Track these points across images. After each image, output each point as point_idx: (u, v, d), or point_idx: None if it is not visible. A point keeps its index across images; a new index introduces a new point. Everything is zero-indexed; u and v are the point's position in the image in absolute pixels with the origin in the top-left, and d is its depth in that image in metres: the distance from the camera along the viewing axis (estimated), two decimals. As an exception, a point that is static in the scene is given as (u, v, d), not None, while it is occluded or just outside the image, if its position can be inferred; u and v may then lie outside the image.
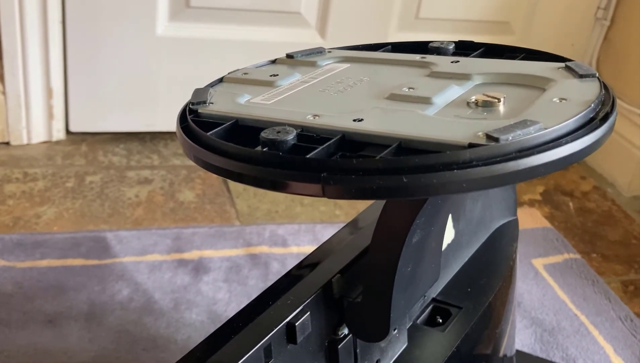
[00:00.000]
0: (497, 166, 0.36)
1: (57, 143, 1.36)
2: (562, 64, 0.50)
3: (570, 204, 1.36)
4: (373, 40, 1.40)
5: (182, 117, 0.47)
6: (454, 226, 0.60)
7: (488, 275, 0.62)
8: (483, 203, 0.65)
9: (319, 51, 0.61)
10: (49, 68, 1.29)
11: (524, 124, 0.38)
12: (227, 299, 0.94)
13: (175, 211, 1.17)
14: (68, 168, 1.27)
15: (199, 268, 1.00)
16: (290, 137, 0.39)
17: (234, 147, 0.39)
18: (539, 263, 1.12)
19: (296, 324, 0.45)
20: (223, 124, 0.44)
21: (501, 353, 0.66)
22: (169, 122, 1.39)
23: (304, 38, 1.37)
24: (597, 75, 0.47)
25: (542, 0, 1.48)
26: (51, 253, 1.00)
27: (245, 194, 1.24)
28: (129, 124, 1.38)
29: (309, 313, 0.46)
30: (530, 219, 1.26)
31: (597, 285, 1.07)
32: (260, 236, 1.10)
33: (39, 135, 1.34)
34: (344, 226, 0.61)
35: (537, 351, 0.91)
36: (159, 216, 1.15)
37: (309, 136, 0.41)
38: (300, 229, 1.13)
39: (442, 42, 0.59)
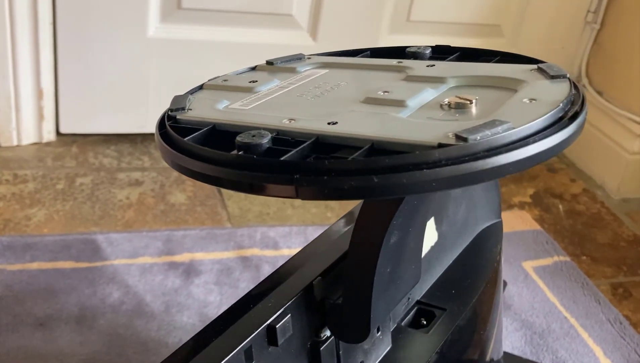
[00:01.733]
0: (466, 165, 0.36)
1: (48, 144, 1.35)
2: (535, 66, 0.51)
3: (560, 206, 1.37)
4: (365, 42, 1.40)
5: (161, 124, 0.48)
6: (437, 229, 0.60)
7: (472, 277, 0.62)
8: (467, 205, 0.66)
9: (299, 57, 0.62)
10: (40, 69, 1.28)
11: (492, 124, 0.38)
12: (218, 302, 0.94)
13: (166, 214, 1.17)
14: (58, 169, 1.27)
15: (190, 270, 1.00)
16: (265, 140, 0.40)
17: (209, 151, 0.40)
18: (529, 265, 1.12)
19: (277, 326, 0.45)
20: (201, 129, 0.45)
21: (488, 357, 0.66)
22: (160, 124, 1.39)
23: (296, 40, 1.38)
24: (567, 76, 0.48)
25: (533, 3, 1.49)
26: (41, 255, 1.00)
27: (237, 197, 1.24)
28: (119, 125, 1.38)
29: (290, 315, 0.47)
30: (520, 221, 1.27)
31: (586, 287, 1.08)
32: (252, 239, 1.10)
33: (29, 136, 1.34)
34: (326, 229, 0.61)
35: (527, 353, 0.92)
36: (149, 218, 1.15)
37: (284, 140, 0.42)
38: (292, 231, 1.13)
39: (419, 47, 0.60)
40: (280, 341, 0.46)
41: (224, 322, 0.46)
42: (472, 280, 0.62)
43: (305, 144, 0.40)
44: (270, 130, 0.42)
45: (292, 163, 0.38)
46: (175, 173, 1.30)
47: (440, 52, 0.60)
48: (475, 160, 0.37)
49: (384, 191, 0.36)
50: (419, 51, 0.59)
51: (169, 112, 0.48)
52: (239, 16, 1.33)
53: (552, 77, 0.48)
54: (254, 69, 0.61)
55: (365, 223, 0.46)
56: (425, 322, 0.57)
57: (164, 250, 1.04)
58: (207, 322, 0.90)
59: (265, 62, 0.61)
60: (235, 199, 1.23)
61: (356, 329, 0.48)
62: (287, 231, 1.13)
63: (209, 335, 0.45)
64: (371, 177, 0.36)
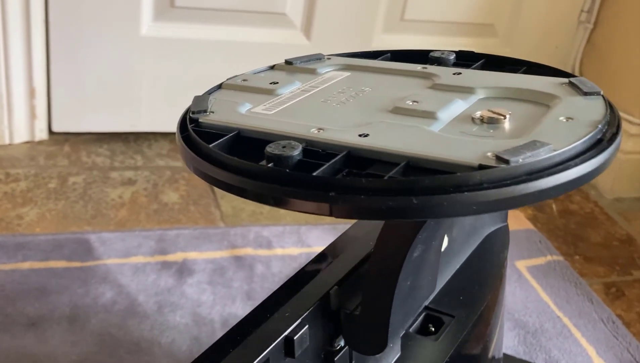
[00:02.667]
0: (508, 189, 0.35)
1: (40, 143, 1.35)
2: (566, 80, 0.50)
3: (553, 206, 1.37)
4: (358, 41, 1.40)
5: (182, 126, 0.46)
6: (448, 235, 0.60)
7: (480, 283, 0.61)
8: None
9: (318, 58, 0.60)
10: (32, 68, 1.28)
11: (533, 145, 0.37)
12: (211, 301, 0.94)
13: (159, 213, 1.16)
14: (51, 168, 1.26)
15: (183, 270, 1.00)
16: (296, 152, 0.39)
17: (238, 161, 0.39)
18: (522, 265, 1.12)
19: (295, 338, 0.45)
20: (224, 135, 0.44)
21: (490, 355, 0.66)
22: (153, 123, 1.38)
23: (289, 39, 1.37)
24: (601, 93, 0.47)
25: (526, 3, 1.49)
26: (33, 255, 0.99)
27: (230, 196, 1.24)
28: (112, 124, 1.38)
29: (307, 326, 0.46)
30: (514, 221, 1.27)
31: (579, 287, 1.08)
32: (245, 238, 1.09)
33: (21, 135, 1.33)
34: (341, 235, 0.60)
35: (520, 353, 0.92)
36: (142, 217, 1.14)
37: (313, 151, 0.41)
38: (285, 231, 1.13)
39: (442, 52, 0.59)
40: (298, 353, 0.45)
41: (240, 332, 0.45)
42: (479, 286, 0.61)
43: (337, 158, 0.39)
44: (299, 140, 0.41)
45: (327, 180, 0.37)
46: (169, 172, 1.29)
47: (464, 58, 0.59)
48: (517, 184, 0.35)
49: (423, 213, 0.35)
50: (442, 56, 0.58)
51: (191, 114, 0.47)
52: (232, 15, 1.32)
53: (586, 93, 0.47)
54: (272, 68, 0.59)
55: (389, 238, 0.45)
56: (433, 329, 0.56)
57: (157, 250, 1.04)
58: (200, 322, 0.90)
59: (284, 61, 0.59)
60: (229, 199, 1.23)
61: (373, 341, 0.48)
62: (280, 231, 1.13)
63: (225, 347, 0.44)
64: (410, 198, 0.35)
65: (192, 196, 1.22)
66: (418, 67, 0.56)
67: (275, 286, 0.98)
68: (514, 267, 1.11)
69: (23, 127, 1.33)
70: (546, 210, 1.35)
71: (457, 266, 0.62)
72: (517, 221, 1.27)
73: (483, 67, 0.57)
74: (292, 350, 0.45)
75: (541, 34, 1.54)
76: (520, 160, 0.36)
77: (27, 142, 1.34)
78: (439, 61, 0.58)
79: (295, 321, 0.45)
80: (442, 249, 0.59)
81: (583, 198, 1.42)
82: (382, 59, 0.61)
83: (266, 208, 1.22)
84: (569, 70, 1.58)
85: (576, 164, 0.37)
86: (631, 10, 1.43)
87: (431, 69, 0.55)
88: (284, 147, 0.39)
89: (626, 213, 1.38)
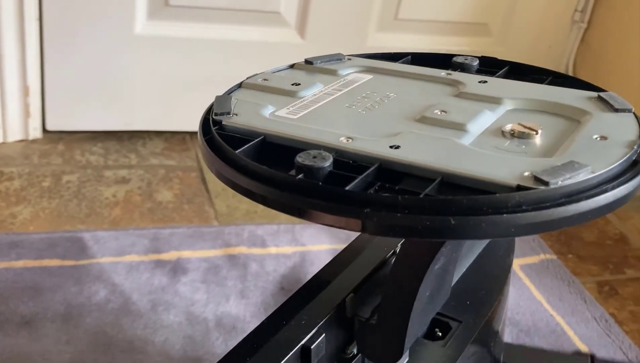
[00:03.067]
0: (547, 212, 0.35)
1: (34, 141, 1.34)
2: (595, 94, 0.50)
3: (547, 205, 1.38)
4: (352, 40, 1.40)
5: (205, 128, 0.45)
6: None
7: (486, 287, 0.61)
8: None
9: (339, 58, 0.59)
10: (26, 66, 1.27)
11: (571, 166, 0.37)
12: (205, 300, 0.94)
13: (153, 211, 1.16)
14: (44, 167, 1.26)
15: (176, 268, 1.00)
16: (327, 164, 0.38)
17: (268, 171, 0.38)
18: (515, 263, 1.13)
19: (312, 347, 0.44)
20: (250, 140, 0.43)
21: (494, 357, 0.66)
22: (147, 121, 1.38)
23: (284, 38, 1.37)
24: (632, 110, 0.46)
25: (520, 2, 1.49)
26: (27, 253, 0.99)
27: (224, 195, 1.24)
28: (106, 122, 1.37)
29: (324, 335, 0.45)
30: (508, 220, 1.27)
31: (572, 285, 1.09)
32: (239, 237, 1.09)
33: (15, 133, 1.33)
34: (353, 241, 0.60)
35: (513, 351, 0.92)
36: (136, 216, 1.14)
37: (343, 162, 0.40)
38: (280, 229, 1.13)
39: (466, 58, 0.58)
40: (314, 362, 0.45)
41: (256, 340, 0.45)
42: (486, 291, 0.60)
43: (369, 171, 0.38)
44: (328, 149, 0.40)
45: (362, 195, 0.36)
46: (163, 171, 1.29)
47: (487, 65, 0.59)
48: (557, 206, 0.35)
49: (461, 234, 0.34)
50: (466, 62, 0.58)
51: (214, 116, 0.46)
52: (226, 13, 1.32)
53: (617, 110, 0.46)
54: (292, 67, 0.58)
55: (412, 250, 0.44)
56: (440, 334, 0.55)
57: (151, 248, 1.04)
58: (194, 320, 0.90)
59: (304, 60, 0.59)
60: (223, 198, 1.23)
61: (389, 350, 0.47)
62: (275, 230, 1.13)
63: (242, 355, 0.43)
64: (448, 218, 0.34)
65: (187, 194, 1.22)
66: (442, 72, 0.55)
67: (269, 285, 0.98)
68: (508, 266, 1.12)
69: (17, 126, 1.32)
70: (540, 209, 1.35)
71: (464, 270, 0.62)
72: (511, 220, 1.27)
73: (507, 76, 0.57)
74: (308, 359, 0.44)
75: (535, 33, 1.54)
76: (560, 182, 0.35)
77: (21, 140, 1.34)
78: (463, 67, 0.58)
79: (312, 329, 0.44)
80: None
81: (576, 197, 1.42)
82: (403, 62, 0.61)
83: (260, 207, 1.21)
84: (562, 69, 1.59)
85: (614, 188, 0.37)
86: (625, 10, 1.44)
87: (456, 75, 0.55)
88: (314, 157, 0.38)
89: (619, 212, 1.39)
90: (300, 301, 0.48)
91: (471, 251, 0.63)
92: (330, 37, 1.38)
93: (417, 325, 0.47)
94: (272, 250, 1.07)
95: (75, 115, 1.35)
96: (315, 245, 1.10)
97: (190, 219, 1.15)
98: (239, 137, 0.43)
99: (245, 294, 0.96)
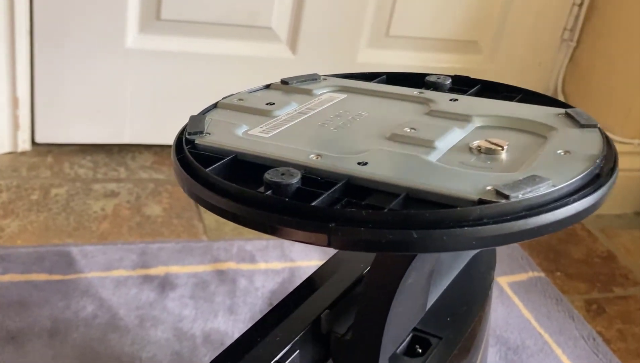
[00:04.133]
0: (507, 225, 0.35)
1: (23, 153, 1.34)
2: (562, 111, 0.50)
3: (536, 222, 1.38)
4: (343, 56, 1.41)
5: (178, 147, 0.45)
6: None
7: (467, 304, 0.61)
8: None
9: (314, 78, 0.60)
10: (16, 78, 1.27)
11: (533, 180, 0.38)
12: (193, 316, 0.94)
13: (141, 226, 1.16)
14: (33, 179, 1.25)
15: (165, 284, 0.99)
16: (295, 180, 0.39)
17: (236, 188, 0.39)
18: (504, 281, 1.13)
19: None
20: (221, 158, 0.43)
21: None
22: (137, 135, 1.38)
23: (275, 53, 1.38)
24: (598, 125, 0.47)
25: (510, 20, 1.50)
26: (14, 267, 0.99)
27: (213, 209, 1.23)
28: (96, 135, 1.37)
29: (298, 351, 0.45)
30: (496, 237, 1.27)
31: (561, 303, 1.09)
32: (228, 252, 1.09)
33: (4, 146, 1.32)
34: (330, 258, 0.60)
35: (501, 370, 0.92)
36: (125, 230, 1.14)
37: (312, 179, 0.40)
38: (269, 245, 1.13)
39: (438, 77, 0.59)
40: None
41: (230, 357, 0.44)
42: (467, 307, 0.61)
43: (336, 187, 0.39)
44: (297, 167, 0.41)
45: (327, 211, 0.36)
46: (152, 185, 1.29)
47: (460, 83, 0.59)
48: (517, 219, 0.36)
49: (423, 247, 0.35)
50: (438, 81, 0.58)
51: (187, 135, 0.46)
52: (218, 28, 1.33)
53: (582, 126, 0.47)
54: (268, 87, 0.59)
55: (382, 266, 0.44)
56: (420, 350, 0.56)
57: (139, 263, 1.03)
58: (182, 336, 0.90)
59: (280, 80, 0.59)
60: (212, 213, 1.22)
61: None
62: (264, 245, 1.12)
63: None
64: (411, 232, 0.35)
65: (175, 209, 1.22)
66: (414, 91, 0.56)
67: (258, 301, 0.98)
68: (496, 283, 1.12)
69: (6, 138, 1.32)
70: (528, 226, 1.36)
71: (445, 286, 0.62)
72: (500, 237, 1.28)
73: (479, 94, 0.58)
74: None
75: (524, 51, 1.55)
76: (520, 196, 0.36)
77: (9, 153, 1.33)
78: (435, 86, 0.58)
79: (286, 346, 0.45)
80: None
81: (565, 215, 1.43)
82: (378, 81, 0.61)
83: (250, 222, 1.21)
84: (551, 87, 1.60)
85: (575, 201, 0.37)
86: (613, 29, 1.45)
87: (427, 94, 0.56)
88: (282, 174, 0.39)
89: (607, 230, 1.40)
90: (275, 318, 0.48)
91: (452, 268, 0.64)
92: (321, 53, 1.39)
93: (392, 340, 0.48)
94: (261, 265, 1.07)
95: (65, 128, 1.35)
96: (304, 260, 1.10)
97: (179, 234, 1.15)
98: (210, 155, 0.44)
99: (234, 310, 0.96)
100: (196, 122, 0.48)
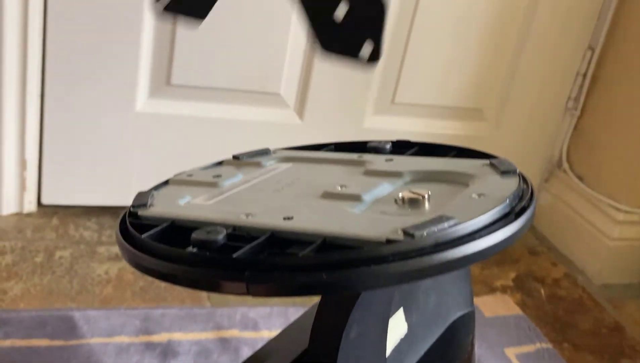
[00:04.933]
0: (413, 261, 0.37)
1: (28, 215, 1.34)
2: (487, 161, 0.52)
3: (542, 291, 1.37)
4: (350, 122, 1.42)
5: (122, 221, 0.48)
6: (407, 319, 0.60)
7: None
8: (437, 295, 0.65)
9: (265, 152, 0.63)
10: (25, 140, 1.28)
11: (439, 219, 0.39)
12: (195, 386, 0.92)
13: (145, 290, 1.15)
14: (38, 241, 1.25)
15: (167, 351, 0.98)
16: (220, 236, 0.40)
17: (163, 248, 0.40)
18: (511, 352, 1.11)
19: None
20: (158, 226, 0.45)
21: None
22: (143, 197, 1.38)
23: (283, 118, 1.39)
24: (517, 171, 0.49)
25: (515, 88, 1.52)
26: (15, 332, 0.98)
27: (218, 274, 1.22)
28: (102, 198, 1.37)
29: None
30: (503, 306, 1.26)
31: (569, 377, 1.07)
32: (231, 319, 1.08)
33: (9, 206, 1.32)
34: (293, 322, 0.60)
35: None
36: (128, 295, 1.13)
37: (239, 236, 0.42)
38: (273, 312, 1.12)
39: (379, 142, 0.62)
40: None
41: None
42: None
43: (259, 240, 0.41)
44: (226, 226, 0.42)
45: (243, 260, 0.38)
46: (157, 248, 1.28)
47: (400, 147, 0.62)
48: (422, 256, 0.37)
49: (334, 288, 0.37)
50: (379, 145, 0.61)
51: (131, 209, 0.49)
52: (227, 93, 1.34)
53: (503, 172, 0.49)
54: (220, 163, 0.62)
55: (324, 317, 0.46)
56: None
57: (142, 329, 1.02)
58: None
59: (231, 156, 0.62)
60: (216, 277, 1.21)
61: None
62: (268, 312, 1.11)
63: None
64: (320, 274, 0.36)
65: (180, 273, 1.21)
66: (354, 156, 0.59)
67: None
68: (504, 354, 1.10)
69: (12, 199, 1.32)
70: (535, 295, 1.35)
71: (422, 353, 0.62)
72: (506, 306, 1.26)
73: (416, 154, 0.60)
74: None
75: (529, 119, 1.57)
76: (425, 234, 0.38)
77: (15, 214, 1.33)
78: (376, 150, 0.61)
79: None
80: (402, 335, 0.59)
81: (571, 283, 1.42)
82: (326, 151, 0.64)
83: (254, 288, 1.20)
84: (556, 155, 1.61)
85: (481, 237, 0.39)
86: (617, 99, 1.46)
87: (366, 157, 0.58)
88: (208, 232, 0.41)
89: (614, 300, 1.38)
90: None
91: (427, 334, 0.63)
92: (328, 119, 1.40)
93: None
94: (265, 333, 1.06)
95: (72, 189, 1.35)
96: (308, 329, 1.09)
97: (182, 300, 1.14)
98: (150, 224, 0.46)
99: (237, 380, 0.95)
100: (141, 197, 0.51)
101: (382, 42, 0.40)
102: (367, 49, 0.39)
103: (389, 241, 0.38)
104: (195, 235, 0.40)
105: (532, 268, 1.46)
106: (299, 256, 0.38)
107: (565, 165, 1.58)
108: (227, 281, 0.38)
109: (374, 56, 0.40)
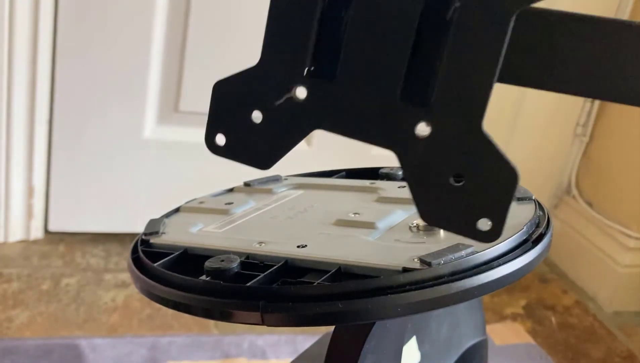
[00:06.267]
0: (430, 290, 0.36)
1: (35, 242, 1.33)
2: None
3: (553, 319, 1.35)
4: (357, 148, 1.41)
5: (134, 248, 0.47)
6: (420, 348, 0.59)
7: None
8: (450, 323, 0.65)
9: (276, 179, 0.63)
10: (32, 167, 1.28)
11: (456, 248, 0.39)
12: (202, 415, 0.91)
13: (152, 318, 1.14)
14: (44, 269, 1.24)
15: (174, 380, 0.97)
16: (234, 265, 0.40)
17: (177, 277, 0.40)
18: (523, 382, 1.10)
19: None
20: (171, 254, 0.45)
21: None
22: (150, 224, 1.38)
23: (290, 145, 1.39)
24: (533, 197, 0.49)
25: (523, 115, 1.52)
26: (21, 360, 0.96)
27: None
28: (109, 224, 1.37)
29: None
30: (514, 334, 1.25)
31: (582, 407, 1.05)
32: (239, 347, 1.07)
33: (16, 234, 1.32)
34: (301, 354, 0.59)
35: None
36: (135, 322, 1.12)
37: (253, 264, 0.41)
38: (281, 340, 1.10)
39: (391, 168, 0.61)
40: None
41: None
42: None
43: (273, 269, 0.40)
44: (240, 254, 0.42)
45: (257, 289, 0.38)
46: (164, 275, 1.27)
47: None
48: (440, 284, 0.37)
49: (351, 318, 0.36)
50: (391, 172, 0.60)
51: (143, 236, 0.48)
52: (234, 120, 1.34)
53: (519, 199, 0.49)
54: (231, 190, 0.61)
55: (337, 348, 0.45)
56: None
57: (149, 358, 1.01)
58: None
59: (242, 183, 0.61)
60: (224, 305, 1.20)
61: None
62: (275, 340, 1.10)
63: None
64: (336, 303, 0.36)
65: (187, 301, 1.20)
66: (367, 182, 0.58)
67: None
68: (515, 384, 1.09)
69: (19, 226, 1.32)
70: (546, 323, 1.33)
71: None
72: (518, 335, 1.25)
73: None
74: None
75: (538, 145, 1.56)
76: (442, 262, 0.37)
77: (22, 241, 1.33)
78: (388, 176, 0.60)
79: None
80: None
81: (582, 311, 1.40)
82: (337, 177, 0.64)
83: (261, 315, 1.19)
84: (565, 182, 1.60)
85: (499, 265, 0.39)
86: (626, 124, 1.46)
87: (378, 184, 0.58)
88: (222, 261, 0.40)
89: (626, 328, 1.36)
90: None
91: (442, 362, 0.62)
92: (336, 145, 1.40)
93: None
94: (273, 362, 1.04)
95: (78, 216, 1.35)
96: (317, 357, 1.07)
97: (189, 327, 1.13)
98: (162, 252, 0.45)
99: (245, 410, 0.93)
100: (153, 224, 0.51)
101: (504, 220, 0.32)
102: (484, 225, 0.33)
103: (405, 270, 0.37)
104: (208, 264, 0.40)
105: (543, 295, 1.44)
106: (315, 286, 0.37)
107: (575, 191, 1.57)
108: (241, 310, 0.37)
109: (491, 236, 0.33)
